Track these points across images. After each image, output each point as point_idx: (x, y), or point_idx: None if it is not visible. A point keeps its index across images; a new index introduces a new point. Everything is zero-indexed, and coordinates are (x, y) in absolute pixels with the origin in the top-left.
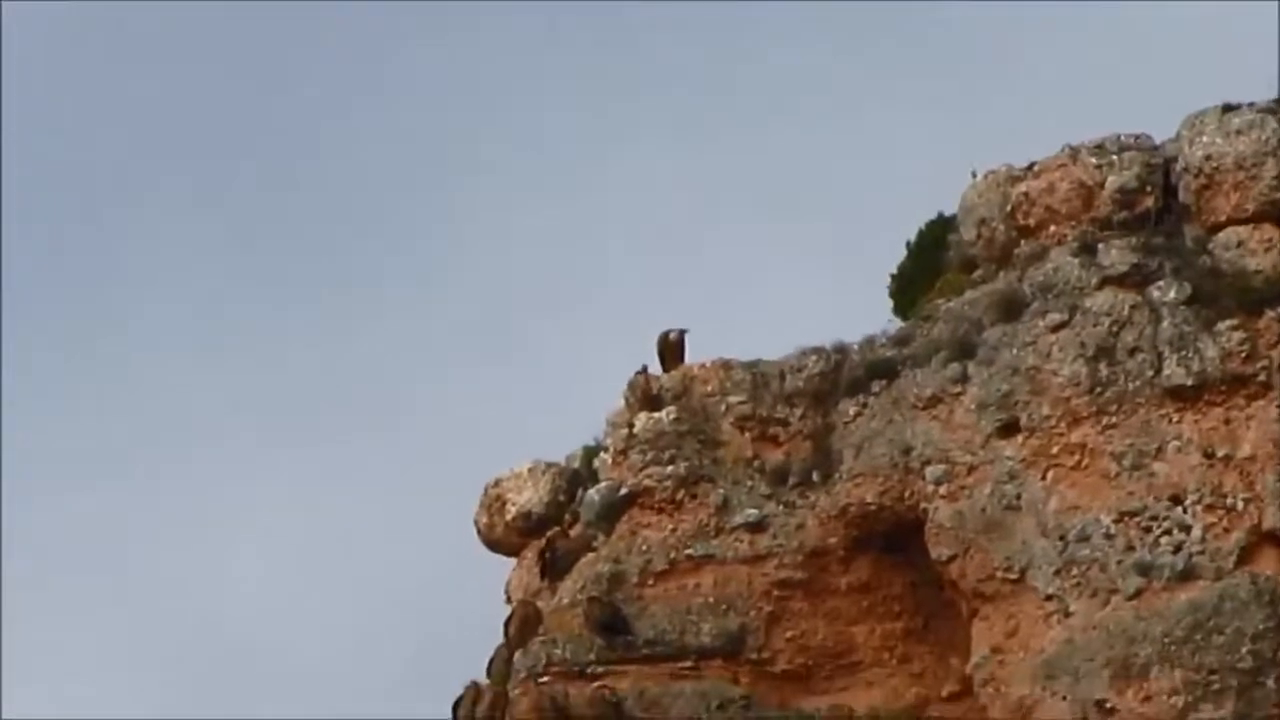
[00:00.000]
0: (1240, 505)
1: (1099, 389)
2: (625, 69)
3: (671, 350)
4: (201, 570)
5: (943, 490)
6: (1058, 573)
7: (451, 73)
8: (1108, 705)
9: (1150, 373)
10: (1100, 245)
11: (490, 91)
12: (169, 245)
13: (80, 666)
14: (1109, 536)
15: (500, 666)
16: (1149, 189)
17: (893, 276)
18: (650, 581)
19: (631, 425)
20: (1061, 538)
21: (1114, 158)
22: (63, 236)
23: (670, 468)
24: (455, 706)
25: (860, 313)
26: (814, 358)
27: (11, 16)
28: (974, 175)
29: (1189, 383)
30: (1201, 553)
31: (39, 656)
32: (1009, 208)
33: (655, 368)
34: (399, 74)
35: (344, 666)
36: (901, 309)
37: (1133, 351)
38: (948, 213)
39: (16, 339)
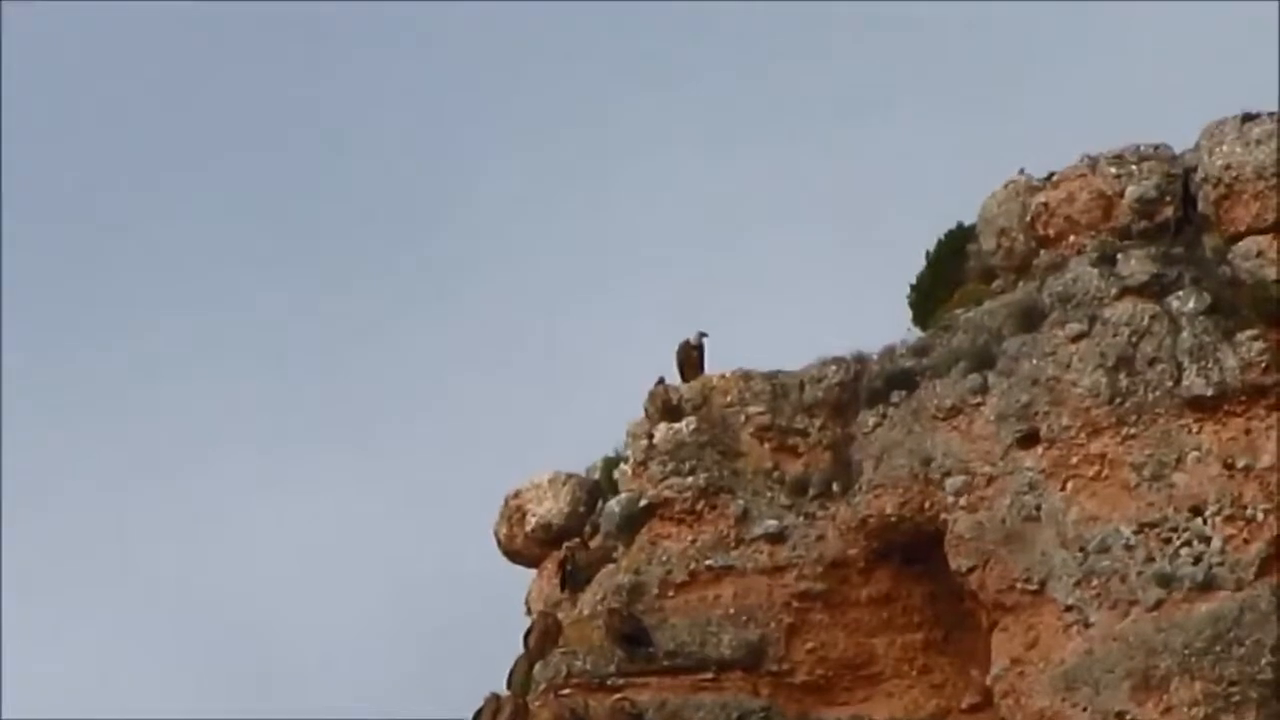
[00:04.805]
0: (1260, 516)
1: (1119, 399)
2: (646, 78)
3: (691, 361)
4: (212, 572)
5: (962, 501)
6: (1078, 584)
7: (469, 76)
8: (1128, 717)
9: (1170, 383)
10: (1119, 255)
11: (511, 98)
12: (188, 250)
13: (84, 666)
14: (1129, 547)
15: (520, 677)
16: (1168, 199)
17: (912, 286)
18: (670, 593)
19: (651, 436)
20: (1081, 549)
21: (1133, 168)
22: (76, 241)
23: (690, 479)
24: (476, 717)
25: (880, 323)
26: (833, 368)
27: (11, 16)
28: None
29: (1209, 393)
30: (1221, 564)
31: (46, 656)
32: (1028, 218)
33: (675, 378)
34: (413, 76)
35: (352, 670)
36: (921, 319)
37: (1152, 362)
38: (967, 223)
39: (32, 340)
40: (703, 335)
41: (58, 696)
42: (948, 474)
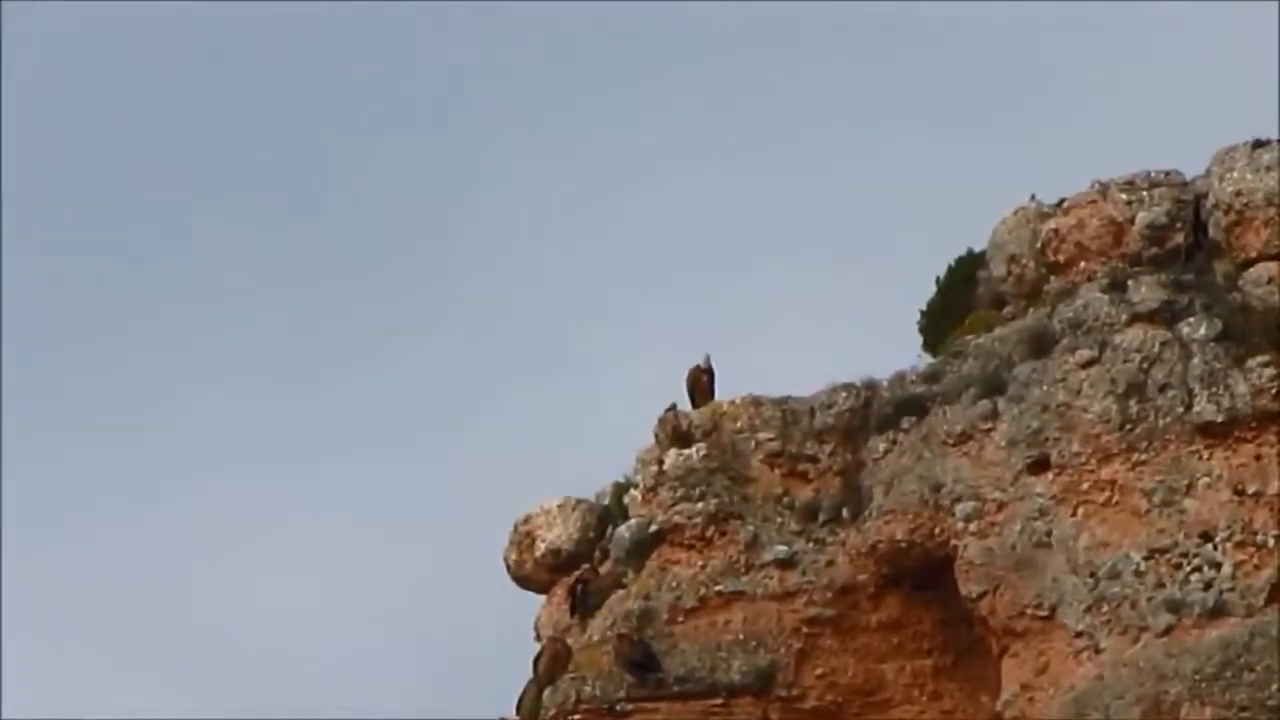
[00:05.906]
0: (1271, 542)
1: (1129, 425)
2: (658, 105)
3: (701, 387)
4: (212, 575)
5: (973, 527)
6: (1088, 610)
7: (482, 88)
8: None
9: (1180, 409)
10: (1130, 282)
11: (515, 108)
12: (189, 256)
13: (84, 666)
14: (1139, 573)
15: (530, 703)
16: (1179, 225)
17: (922, 313)
18: (680, 618)
19: (661, 462)
20: (1092, 574)
21: (1144, 194)
22: (76, 240)
23: (700, 504)
24: None
25: (890, 349)
26: (844, 394)
27: (11, 16)
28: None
29: (1219, 419)
30: (1232, 590)
31: (58, 658)
32: (1039, 244)
33: (685, 404)
34: (428, 87)
35: (352, 670)
36: (931, 345)
37: (1163, 388)
38: (977, 249)
39: (32, 342)
40: (708, 357)
41: (58, 696)
42: (958, 500)
